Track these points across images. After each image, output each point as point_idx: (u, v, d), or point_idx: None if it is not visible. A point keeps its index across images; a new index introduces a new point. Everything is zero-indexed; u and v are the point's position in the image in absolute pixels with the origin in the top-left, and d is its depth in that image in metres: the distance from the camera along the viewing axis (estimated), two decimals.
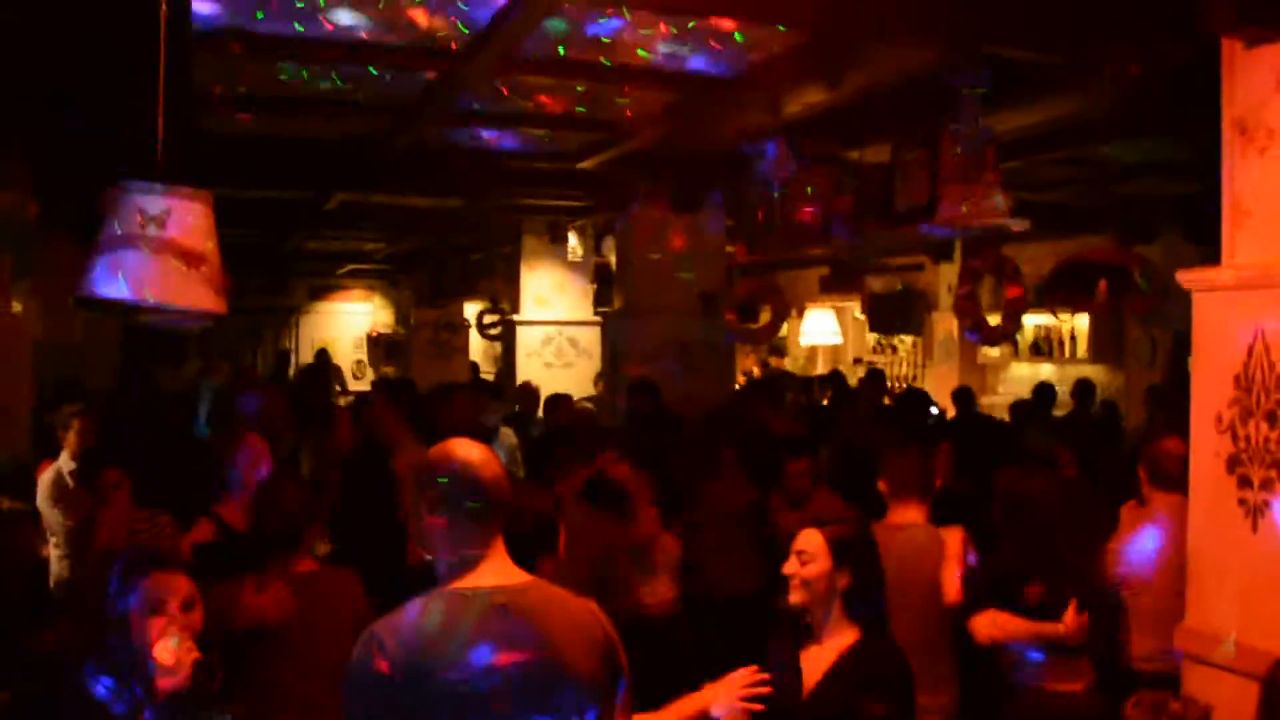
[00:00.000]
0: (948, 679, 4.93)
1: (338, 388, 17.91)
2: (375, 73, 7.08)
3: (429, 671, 2.68)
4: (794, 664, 3.70)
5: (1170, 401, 8.70)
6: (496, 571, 2.88)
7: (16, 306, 8.08)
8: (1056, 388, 11.44)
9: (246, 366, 18.99)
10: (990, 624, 4.68)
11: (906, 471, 5.11)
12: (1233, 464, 4.08)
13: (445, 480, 2.88)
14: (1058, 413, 10.90)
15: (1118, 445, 8.50)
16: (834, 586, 3.69)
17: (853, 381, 14.08)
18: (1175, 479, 4.67)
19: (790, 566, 3.76)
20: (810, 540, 3.75)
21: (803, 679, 3.66)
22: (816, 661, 3.67)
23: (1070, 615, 4.51)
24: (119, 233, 4.02)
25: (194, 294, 4.04)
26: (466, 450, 2.94)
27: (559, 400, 9.91)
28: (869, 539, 3.84)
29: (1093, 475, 6.90)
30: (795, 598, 3.73)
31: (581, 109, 8.04)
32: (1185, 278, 4.33)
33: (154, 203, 4.06)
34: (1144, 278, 6.47)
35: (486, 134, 9.21)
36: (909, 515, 5.07)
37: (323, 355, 20.10)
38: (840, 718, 3.56)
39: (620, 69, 6.99)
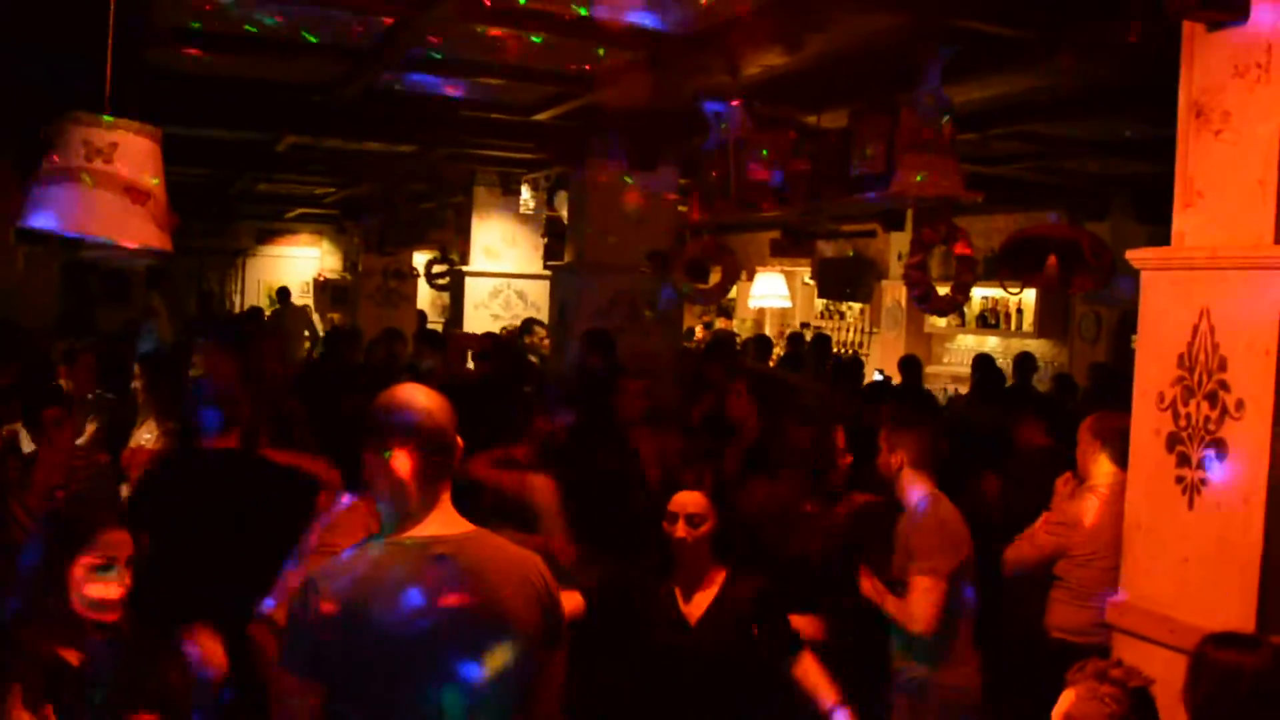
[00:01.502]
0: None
1: (306, 333, 17.68)
2: (333, 14, 6.99)
3: (367, 620, 2.67)
4: (673, 602, 4.17)
5: (1112, 378, 8.78)
6: (438, 521, 2.85)
7: None
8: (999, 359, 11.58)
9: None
10: None
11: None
12: (1172, 442, 4.12)
13: (386, 427, 2.84)
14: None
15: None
16: (712, 536, 4.18)
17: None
18: (1123, 456, 4.69)
19: (683, 531, 4.15)
20: (699, 503, 4.18)
21: (685, 613, 4.15)
22: (700, 598, 4.16)
23: None
24: (63, 165, 3.96)
25: (138, 230, 3.98)
26: (410, 396, 2.89)
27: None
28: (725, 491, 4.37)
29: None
30: (690, 555, 4.17)
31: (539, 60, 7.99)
32: (1135, 256, 4.36)
33: (100, 136, 3.99)
34: (1094, 254, 6.51)
35: (443, 82, 9.11)
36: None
37: (284, 294, 19.78)
38: (731, 640, 4.09)
39: (581, 23, 6.93)
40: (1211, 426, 3.97)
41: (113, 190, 3.90)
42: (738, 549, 4.39)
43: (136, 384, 6.64)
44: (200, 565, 4.16)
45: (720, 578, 4.20)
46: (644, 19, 6.82)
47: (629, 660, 4.21)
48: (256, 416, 5.21)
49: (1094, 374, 10.57)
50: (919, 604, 4.65)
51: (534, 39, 7.32)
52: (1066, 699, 3.12)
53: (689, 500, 4.19)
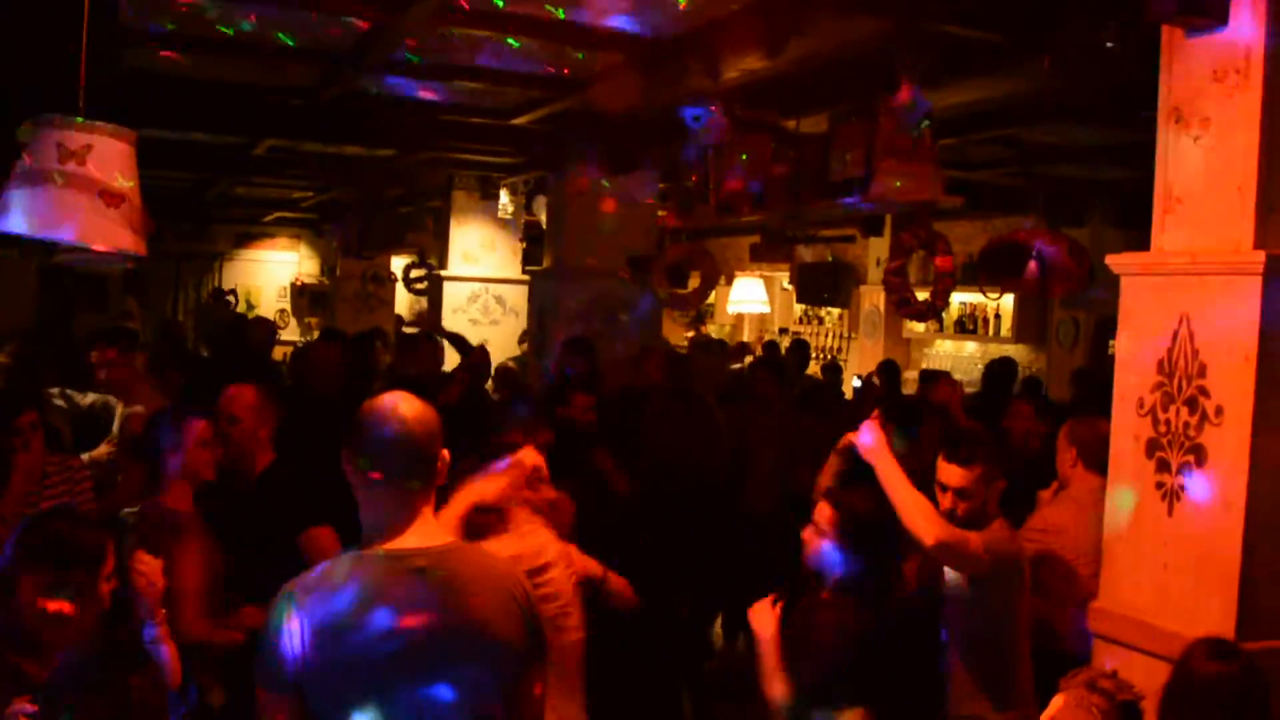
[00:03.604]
0: None
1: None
2: (310, 17, 6.95)
3: (342, 634, 2.62)
4: None
5: (1095, 384, 8.77)
6: (418, 533, 2.80)
7: None
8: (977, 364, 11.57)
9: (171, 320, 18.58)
10: None
11: None
12: (1152, 448, 4.12)
13: (368, 436, 2.80)
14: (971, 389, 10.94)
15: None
16: None
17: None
18: (1102, 462, 4.66)
19: None
20: None
21: None
22: None
23: None
24: (36, 167, 3.91)
25: (112, 234, 3.94)
26: (394, 404, 2.83)
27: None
28: None
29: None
30: None
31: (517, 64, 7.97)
32: (1115, 262, 4.36)
33: (74, 138, 3.94)
34: (1073, 259, 6.52)
35: (421, 85, 9.07)
36: None
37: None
38: None
39: (560, 26, 6.91)
40: (1191, 433, 3.97)
41: (86, 193, 3.85)
42: None
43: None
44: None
45: None
46: (623, 22, 6.80)
47: None
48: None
49: (1077, 380, 10.55)
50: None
51: (512, 42, 7.29)
52: (1055, 704, 3.12)
53: None
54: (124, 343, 7.27)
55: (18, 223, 3.84)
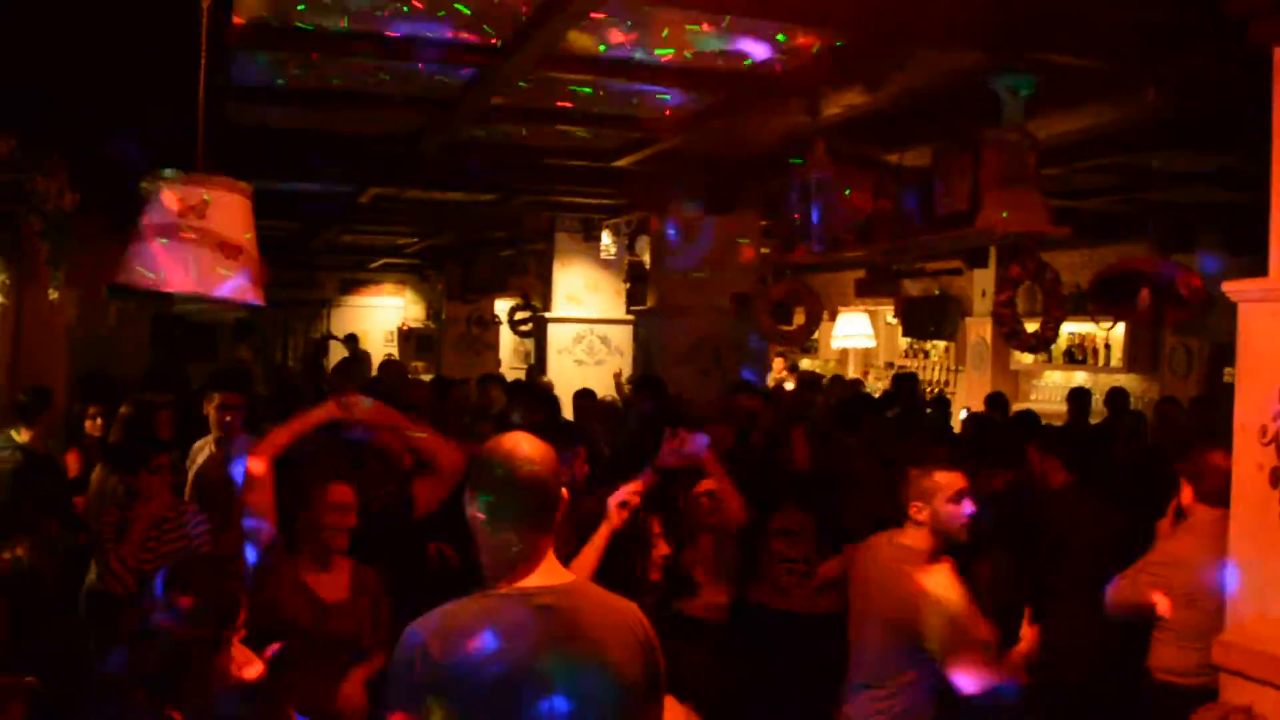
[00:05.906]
0: None
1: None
2: (416, 67, 7.07)
3: (468, 671, 2.64)
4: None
5: (1213, 413, 8.58)
6: (542, 571, 2.82)
7: (53, 294, 8.10)
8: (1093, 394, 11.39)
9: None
10: None
11: None
12: (1276, 477, 4.01)
13: (490, 477, 2.83)
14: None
15: (1143, 455, 8.33)
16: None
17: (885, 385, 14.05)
18: (1220, 493, 4.56)
19: None
20: None
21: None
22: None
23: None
24: (158, 222, 4.03)
25: (232, 285, 4.04)
26: (515, 446, 2.84)
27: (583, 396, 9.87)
28: None
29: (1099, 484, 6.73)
30: None
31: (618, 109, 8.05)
32: (1232, 288, 4.26)
33: (193, 193, 4.06)
34: (1187, 287, 6.40)
35: (523, 130, 9.18)
36: None
37: (352, 342, 20.03)
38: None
39: (660, 68, 6.96)
40: None
41: (207, 247, 3.97)
42: None
43: None
44: None
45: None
46: (721, 62, 6.84)
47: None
48: None
49: (1196, 408, 10.33)
50: None
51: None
52: None
53: None
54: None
55: (142, 277, 3.95)
